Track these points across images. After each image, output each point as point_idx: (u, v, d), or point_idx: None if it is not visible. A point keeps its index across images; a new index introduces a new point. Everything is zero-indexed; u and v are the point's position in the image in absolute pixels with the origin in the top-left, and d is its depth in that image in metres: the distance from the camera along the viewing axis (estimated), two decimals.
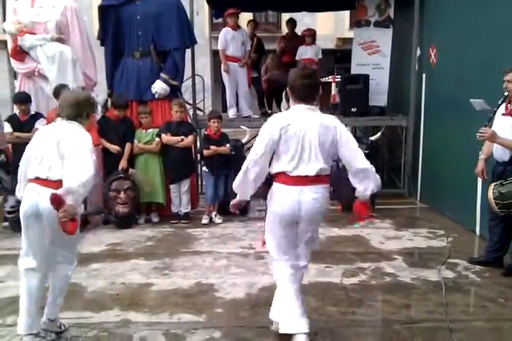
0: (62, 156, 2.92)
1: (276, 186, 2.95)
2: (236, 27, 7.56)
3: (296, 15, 9.64)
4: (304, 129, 2.84)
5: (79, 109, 3.11)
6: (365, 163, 2.94)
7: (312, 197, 2.88)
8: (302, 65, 3.07)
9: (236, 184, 3.02)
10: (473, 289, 4.05)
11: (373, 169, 2.96)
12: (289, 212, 2.90)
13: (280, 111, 8.63)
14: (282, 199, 2.91)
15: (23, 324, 3.03)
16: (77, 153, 2.89)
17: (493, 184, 4.03)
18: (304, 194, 2.87)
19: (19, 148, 5.74)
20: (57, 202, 2.72)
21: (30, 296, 3.05)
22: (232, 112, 7.73)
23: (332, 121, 2.94)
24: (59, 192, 2.73)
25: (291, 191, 2.88)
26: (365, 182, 2.95)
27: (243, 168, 2.96)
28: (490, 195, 4.00)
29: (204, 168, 6.22)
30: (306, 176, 2.86)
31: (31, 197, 2.98)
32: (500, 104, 4.09)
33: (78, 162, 2.86)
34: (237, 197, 3.11)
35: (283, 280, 3.07)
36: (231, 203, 3.18)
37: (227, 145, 6.02)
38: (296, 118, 2.87)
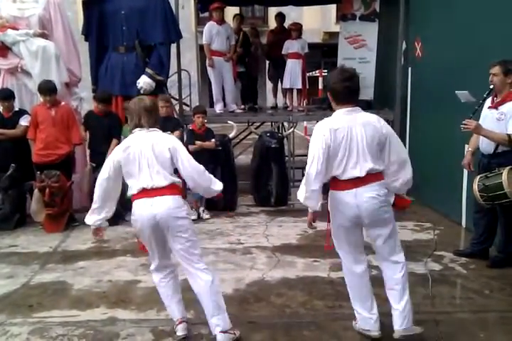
0: (169, 163, 2.98)
1: (332, 193, 2.92)
2: (221, 21, 7.51)
3: (282, 10, 9.60)
4: (350, 132, 2.83)
5: (155, 116, 3.11)
6: (410, 173, 2.97)
7: (368, 196, 2.85)
8: (341, 66, 3.05)
9: (303, 196, 2.90)
10: (460, 281, 4.09)
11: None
12: (350, 216, 2.89)
13: (257, 107, 8.68)
14: (340, 205, 2.89)
15: None
16: (186, 161, 3.01)
17: (478, 176, 4.06)
18: (359, 196, 2.84)
19: (2, 144, 5.72)
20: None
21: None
22: (218, 107, 7.70)
23: (378, 120, 2.92)
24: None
25: (347, 196, 2.86)
26: (402, 187, 3.00)
27: (304, 180, 2.89)
28: (475, 187, 4.02)
29: None
30: (358, 178, 2.83)
31: (145, 211, 2.96)
32: (486, 97, 4.11)
33: (196, 169, 3.05)
34: (310, 210, 2.96)
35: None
36: (308, 223, 3.01)
37: (213, 139, 5.99)
38: (341, 122, 2.86)
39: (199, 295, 3.09)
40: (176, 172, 3.08)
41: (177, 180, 3.05)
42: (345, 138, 2.82)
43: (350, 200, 2.86)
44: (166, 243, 3.05)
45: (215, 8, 7.47)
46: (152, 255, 3.13)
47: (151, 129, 3.04)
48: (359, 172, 2.84)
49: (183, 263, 3.07)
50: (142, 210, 2.97)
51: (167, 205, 2.94)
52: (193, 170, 3.03)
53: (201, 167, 3.09)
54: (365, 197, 2.85)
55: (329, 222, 3.03)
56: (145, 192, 2.96)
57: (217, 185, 3.17)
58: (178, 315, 3.19)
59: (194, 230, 3.12)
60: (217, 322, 3.02)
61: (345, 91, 2.88)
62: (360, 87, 8.56)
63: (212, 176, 3.16)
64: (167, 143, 3.01)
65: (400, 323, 2.95)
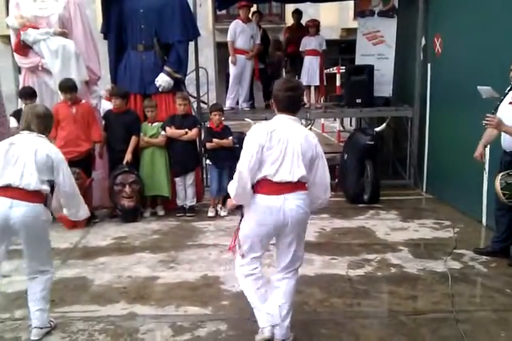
0: (45, 171, 3.06)
1: (256, 197, 2.82)
2: (246, 20, 7.62)
3: (300, 6, 9.56)
4: (288, 136, 2.82)
5: (47, 123, 3.23)
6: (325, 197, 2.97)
7: (296, 204, 2.81)
8: (287, 77, 3.07)
9: (234, 193, 2.87)
10: (480, 280, 4.05)
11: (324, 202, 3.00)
12: (273, 222, 2.82)
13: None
14: (265, 208, 2.81)
15: None
16: (67, 178, 3.16)
17: (501, 174, 4.00)
18: (288, 202, 2.80)
19: None
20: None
21: None
22: (229, 103, 7.72)
23: (313, 138, 2.91)
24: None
25: (275, 200, 2.79)
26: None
27: (236, 177, 2.84)
28: (497, 185, 3.97)
29: (208, 161, 6.22)
30: (289, 182, 2.80)
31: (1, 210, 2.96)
32: (507, 93, 4.05)
33: (72, 188, 3.22)
34: (234, 202, 2.96)
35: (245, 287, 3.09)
36: (230, 203, 3.04)
37: (230, 137, 6.00)
38: (280, 126, 2.87)
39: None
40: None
41: (45, 188, 3.07)
42: (281, 141, 2.80)
43: (277, 205, 2.79)
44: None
45: (241, 6, 7.57)
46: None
47: (39, 135, 3.14)
48: (292, 176, 2.79)
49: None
50: None
51: (24, 212, 2.96)
52: (69, 189, 3.20)
53: (76, 189, 3.27)
54: (294, 204, 2.80)
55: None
56: (9, 191, 2.96)
57: (83, 212, 3.37)
58: None
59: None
60: None
61: (286, 100, 2.91)
62: (379, 83, 8.53)
63: (82, 201, 3.34)
64: (49, 151, 3.10)
65: None
